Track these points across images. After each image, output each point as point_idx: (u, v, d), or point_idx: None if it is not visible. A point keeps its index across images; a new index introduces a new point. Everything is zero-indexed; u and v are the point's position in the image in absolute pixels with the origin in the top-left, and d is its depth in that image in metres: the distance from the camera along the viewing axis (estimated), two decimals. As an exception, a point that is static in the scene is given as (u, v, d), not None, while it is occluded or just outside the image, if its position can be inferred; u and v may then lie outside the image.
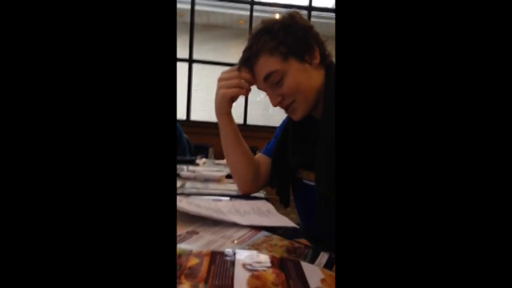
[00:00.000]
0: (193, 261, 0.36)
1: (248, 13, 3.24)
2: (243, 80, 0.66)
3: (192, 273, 0.33)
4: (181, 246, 0.42)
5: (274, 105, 0.65)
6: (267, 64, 0.62)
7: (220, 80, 0.68)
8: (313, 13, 3.27)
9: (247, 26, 3.30)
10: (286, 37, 0.61)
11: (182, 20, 3.61)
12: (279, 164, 0.72)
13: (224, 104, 0.69)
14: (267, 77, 0.63)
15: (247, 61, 0.65)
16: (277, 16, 0.70)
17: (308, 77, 0.62)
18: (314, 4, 3.28)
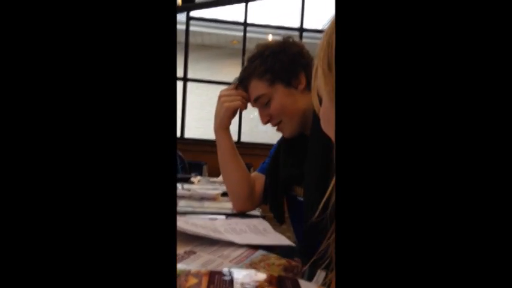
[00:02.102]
0: (192, 281, 0.36)
1: (241, 33, 3.34)
2: (243, 95, 0.73)
3: (191, 294, 0.33)
4: (179, 266, 0.42)
5: (264, 123, 0.71)
6: (256, 87, 0.69)
7: (221, 96, 0.73)
8: (305, 34, 3.38)
9: (240, 46, 3.37)
10: (273, 63, 0.67)
11: (177, 40, 3.68)
12: (272, 180, 0.74)
13: (227, 117, 0.73)
14: (256, 99, 0.69)
15: (242, 82, 0.71)
16: (270, 38, 0.76)
17: (293, 101, 0.68)
18: (305, 26, 3.41)
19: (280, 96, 0.67)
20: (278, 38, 0.72)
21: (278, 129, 0.71)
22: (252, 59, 0.69)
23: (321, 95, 0.37)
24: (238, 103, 0.72)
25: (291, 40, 0.70)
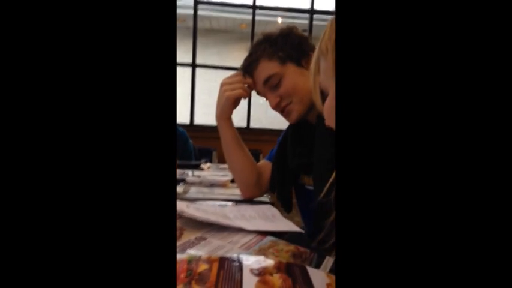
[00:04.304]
0: (202, 267, 0.37)
1: (250, 17, 3.27)
2: (245, 84, 0.71)
3: (202, 279, 0.34)
4: (190, 252, 0.43)
5: (273, 107, 0.70)
6: (267, 68, 0.67)
7: (223, 84, 0.73)
8: (315, 16, 3.29)
9: (249, 29, 3.31)
10: (283, 44, 0.67)
11: (185, 25, 3.65)
12: (279, 168, 0.74)
13: (228, 106, 0.72)
14: (266, 81, 0.68)
15: (248, 67, 0.70)
16: (279, 21, 0.76)
17: (304, 80, 0.66)
18: (316, 7, 3.31)
19: (292, 74, 0.66)
20: (287, 20, 0.71)
21: (285, 113, 0.70)
22: (258, 44, 0.69)
23: (326, 89, 0.37)
24: (239, 91, 0.71)
25: (295, 28, 0.70)
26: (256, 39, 0.71)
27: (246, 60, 0.71)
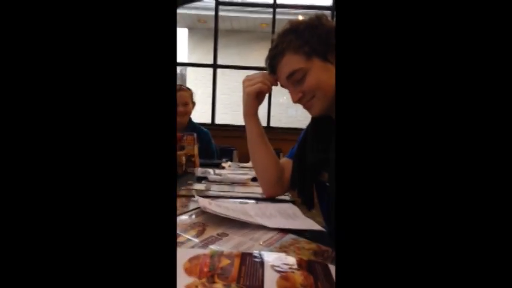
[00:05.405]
0: (224, 262, 0.38)
1: (270, 16, 3.27)
2: (266, 79, 0.71)
3: (224, 274, 0.35)
4: (212, 247, 0.44)
5: (295, 102, 0.68)
6: (291, 62, 0.65)
7: (244, 81, 0.73)
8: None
9: (269, 29, 3.31)
10: (310, 37, 0.64)
11: (206, 26, 3.70)
12: (300, 166, 0.73)
13: (251, 102, 0.73)
14: (290, 75, 0.66)
15: (273, 59, 0.68)
16: (301, 17, 0.73)
17: (329, 76, 0.65)
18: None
19: (317, 70, 0.65)
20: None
21: (307, 107, 0.69)
22: (284, 34, 0.67)
23: None
24: (258, 86, 0.70)
25: (324, 17, 0.67)
26: (282, 28, 0.68)
27: (270, 51, 0.69)
